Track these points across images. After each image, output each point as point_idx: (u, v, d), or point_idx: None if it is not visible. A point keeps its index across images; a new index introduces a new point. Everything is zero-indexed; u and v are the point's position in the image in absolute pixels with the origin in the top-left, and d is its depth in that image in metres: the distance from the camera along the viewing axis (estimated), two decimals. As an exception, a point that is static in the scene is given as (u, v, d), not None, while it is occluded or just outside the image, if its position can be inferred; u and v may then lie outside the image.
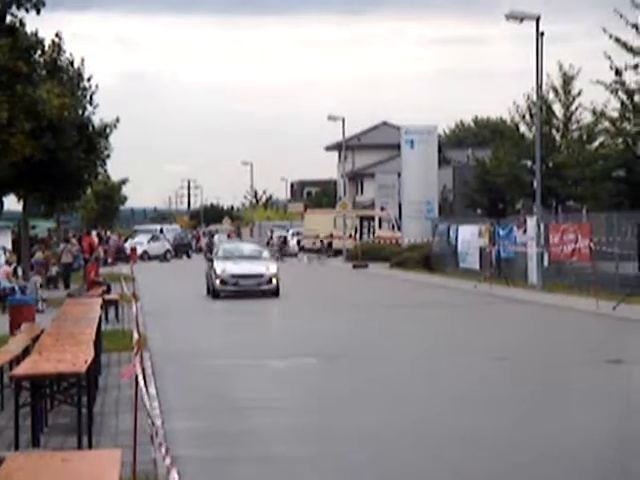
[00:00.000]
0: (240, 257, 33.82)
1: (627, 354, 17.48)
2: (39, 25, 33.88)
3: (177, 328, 24.41)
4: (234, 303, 30.80)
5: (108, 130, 38.50)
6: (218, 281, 32.32)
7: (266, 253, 35.74)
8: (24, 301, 22.93)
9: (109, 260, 57.99)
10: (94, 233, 59.90)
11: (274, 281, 32.41)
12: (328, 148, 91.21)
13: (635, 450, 10.85)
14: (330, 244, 69.48)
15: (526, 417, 12.78)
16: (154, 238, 73.70)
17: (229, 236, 76.48)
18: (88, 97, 37.44)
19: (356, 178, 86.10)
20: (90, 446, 10.67)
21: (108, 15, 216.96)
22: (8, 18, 27.31)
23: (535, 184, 36.08)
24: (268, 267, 32.89)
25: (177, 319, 26.67)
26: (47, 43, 34.70)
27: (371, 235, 66.86)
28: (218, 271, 32.43)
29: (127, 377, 9.76)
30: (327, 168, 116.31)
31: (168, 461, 6.10)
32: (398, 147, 59.78)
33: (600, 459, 10.49)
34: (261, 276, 32.47)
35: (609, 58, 33.63)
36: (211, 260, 33.99)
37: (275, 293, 32.33)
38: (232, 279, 32.29)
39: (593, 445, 11.07)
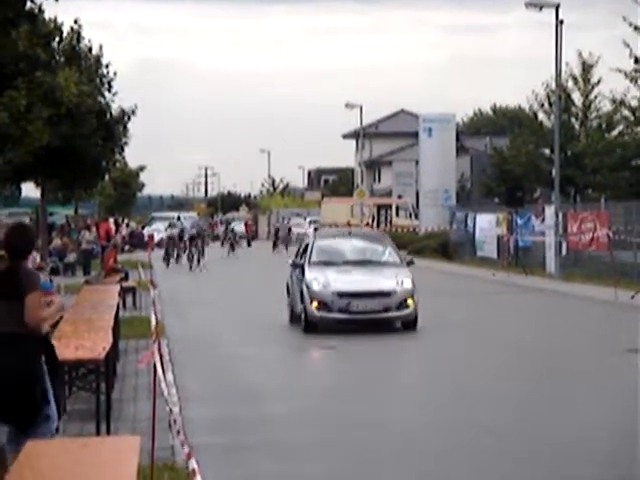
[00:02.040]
0: (351, 263, 21.09)
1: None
2: (55, 12, 33.92)
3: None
4: (346, 347, 18.12)
5: (126, 117, 38.52)
6: (315, 303, 19.74)
7: (393, 254, 21.76)
8: (44, 287, 22.96)
9: (126, 247, 58.11)
10: (111, 220, 60.02)
11: (410, 304, 19.85)
12: (345, 136, 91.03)
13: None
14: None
15: (544, 407, 12.74)
16: (171, 225, 73.62)
17: (246, 225, 76.33)
18: (106, 84, 37.46)
19: (373, 166, 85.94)
20: (108, 433, 10.70)
21: (124, 2, 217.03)
22: (28, 4, 27.34)
23: (554, 173, 35.96)
24: (399, 279, 20.10)
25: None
26: (65, 30, 34.78)
27: (388, 223, 66.77)
28: (315, 287, 19.89)
29: (145, 363, 9.78)
30: (344, 156, 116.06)
31: (187, 449, 6.11)
32: (416, 135, 59.68)
33: (615, 449, 10.47)
34: (388, 295, 19.73)
35: (628, 46, 33.47)
36: (297, 266, 21.34)
37: (412, 324, 19.99)
38: (340, 300, 19.69)
39: (609, 435, 11.04)
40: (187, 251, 43.86)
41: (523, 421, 11.80)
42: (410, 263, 21.74)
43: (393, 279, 20.06)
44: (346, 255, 21.36)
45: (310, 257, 21.01)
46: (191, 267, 42.20)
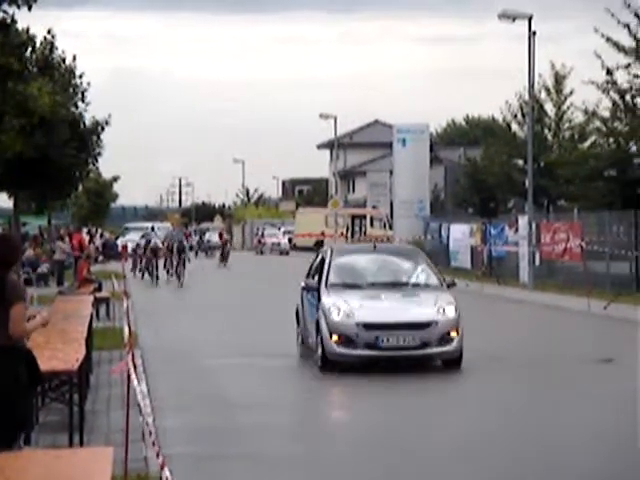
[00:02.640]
0: (379, 285, 17.08)
1: (618, 354, 17.50)
2: (28, 22, 33.78)
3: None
4: (374, 392, 14.64)
5: (100, 128, 38.41)
6: (336, 337, 15.93)
7: (430, 273, 17.63)
8: None
9: (99, 258, 57.86)
10: (84, 231, 59.79)
11: (454, 337, 16.15)
12: (320, 146, 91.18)
13: (623, 447, 10.86)
14: (322, 242, 69.46)
15: (516, 415, 12.78)
16: (145, 236, 73.46)
17: (220, 235, 76.27)
18: (80, 94, 37.35)
19: (348, 176, 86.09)
20: (81, 444, 10.65)
21: (98, 12, 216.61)
22: (0, 14, 27.23)
23: (527, 183, 36.13)
24: (440, 306, 16.31)
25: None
26: (38, 40, 34.63)
27: (363, 234, 66.87)
28: (334, 316, 16.04)
29: (118, 372, 9.76)
30: (319, 166, 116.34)
31: (160, 459, 6.09)
32: (390, 146, 59.78)
33: (585, 455, 10.53)
34: (427, 326, 15.99)
35: (600, 57, 33.70)
36: (310, 289, 17.49)
37: (456, 362, 16.30)
38: (366, 333, 15.82)
39: (580, 442, 11.10)
40: (165, 264, 40.42)
41: (493, 430, 11.84)
42: (451, 285, 17.57)
43: (432, 306, 16.17)
44: (372, 275, 17.31)
45: (327, 278, 16.87)
46: (160, 280, 39.44)
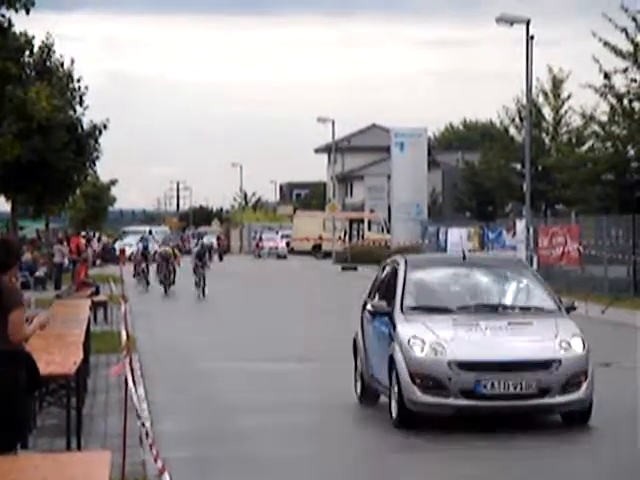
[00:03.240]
0: (475, 310, 12.82)
1: (616, 358, 17.50)
2: (26, 26, 33.81)
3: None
4: (479, 462, 10.65)
5: (97, 132, 38.45)
6: (419, 381, 11.88)
7: (543, 293, 13.47)
8: None
9: (97, 261, 57.89)
10: (82, 234, 59.79)
11: (582, 381, 12.13)
12: (317, 150, 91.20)
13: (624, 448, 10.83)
14: (319, 246, 69.49)
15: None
16: (143, 239, 73.50)
17: (219, 239, 76.20)
18: (78, 98, 37.40)
19: (346, 180, 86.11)
20: (79, 448, 10.64)
21: (95, 15, 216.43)
22: (-2, 18, 27.25)
23: (524, 187, 36.17)
24: (563, 339, 12.47)
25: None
26: (36, 43, 34.68)
27: (360, 237, 66.89)
28: (417, 351, 12.03)
29: (115, 374, 9.75)
30: (316, 170, 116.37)
31: (159, 463, 6.09)
32: (388, 150, 59.88)
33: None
34: (546, 366, 11.97)
35: (597, 62, 33.76)
36: (378, 314, 13.24)
37: (583, 415, 12.23)
38: (463, 376, 11.79)
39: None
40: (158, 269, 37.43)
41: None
42: (571, 309, 13.76)
43: (552, 339, 12.21)
44: (464, 296, 12.97)
45: (403, 299, 12.68)
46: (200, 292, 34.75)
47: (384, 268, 14.24)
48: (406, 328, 12.18)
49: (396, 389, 11.89)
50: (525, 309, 12.91)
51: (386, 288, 13.47)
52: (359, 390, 13.91)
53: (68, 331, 13.73)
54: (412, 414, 11.81)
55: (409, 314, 12.47)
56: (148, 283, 39.10)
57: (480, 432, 11.63)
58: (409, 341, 11.90)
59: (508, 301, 13.08)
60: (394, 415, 11.97)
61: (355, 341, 14.24)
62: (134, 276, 40.55)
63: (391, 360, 12.08)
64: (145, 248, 41.47)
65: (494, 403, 11.67)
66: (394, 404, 12.00)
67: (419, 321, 12.28)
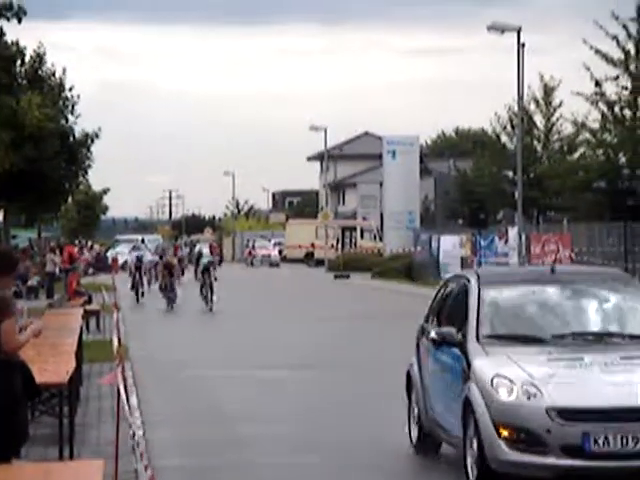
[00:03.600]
0: (573, 339, 9.78)
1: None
2: (17, 35, 33.83)
3: None
4: None
5: (90, 140, 38.43)
6: (506, 432, 8.86)
7: None
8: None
9: (89, 270, 57.85)
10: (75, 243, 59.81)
11: None
12: (310, 158, 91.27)
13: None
14: (312, 254, 69.52)
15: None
16: (135, 248, 73.54)
17: (211, 247, 76.11)
18: (70, 107, 37.38)
19: (338, 188, 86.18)
20: (72, 457, 10.63)
21: (88, 25, 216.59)
22: (-11, 28, 27.29)
23: (516, 194, 36.24)
24: None
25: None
26: (27, 53, 34.70)
27: (353, 245, 66.93)
28: (503, 394, 8.97)
29: (107, 382, 9.75)
30: (309, 178, 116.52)
31: (150, 472, 6.10)
32: (380, 157, 59.97)
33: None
34: None
35: (588, 69, 33.87)
36: (444, 343, 10.26)
37: None
38: (565, 427, 8.73)
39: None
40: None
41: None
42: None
43: None
44: (558, 321, 10.12)
45: (479, 325, 9.93)
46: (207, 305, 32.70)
47: (446, 285, 11.48)
48: (486, 363, 9.34)
49: (474, 442, 9.10)
50: (637, 338, 9.86)
51: (452, 310, 10.79)
52: (415, 436, 11.15)
53: (60, 340, 13.73)
54: (496, 476, 8.98)
55: (488, 345, 9.62)
56: (142, 295, 36.96)
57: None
58: (492, 381, 9.06)
59: (615, 327, 10.11)
60: (471, 476, 9.18)
61: (409, 375, 11.50)
62: (131, 288, 37.11)
63: (466, 404, 9.23)
64: (138, 259, 39.32)
65: (608, 464, 8.78)
66: (470, 461, 9.22)
67: (503, 354, 9.41)
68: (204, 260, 35.15)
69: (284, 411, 14.22)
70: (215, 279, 32.93)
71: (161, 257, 40.77)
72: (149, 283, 40.98)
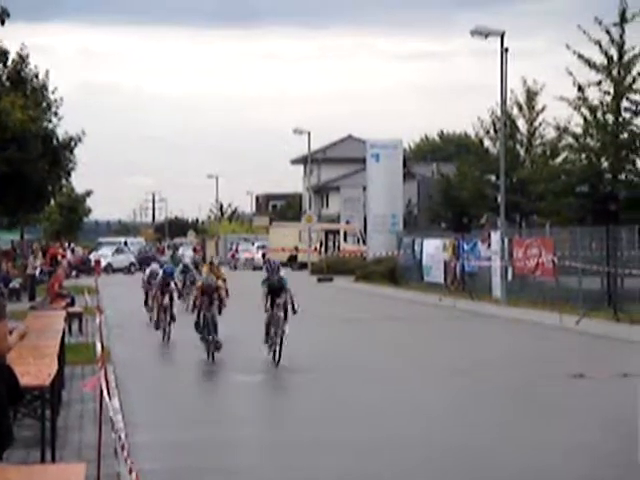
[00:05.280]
0: None
1: (590, 369, 17.61)
2: (0, 37, 33.79)
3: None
4: None
5: (73, 143, 38.35)
6: None
7: None
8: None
9: (72, 273, 57.68)
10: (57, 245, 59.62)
11: None
12: (294, 162, 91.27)
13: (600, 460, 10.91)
14: (295, 257, 69.48)
15: (486, 430, 12.83)
16: (118, 251, 73.48)
17: (195, 250, 76.05)
18: (53, 109, 37.29)
19: (321, 191, 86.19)
20: (53, 460, 10.60)
21: (72, 27, 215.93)
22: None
23: (499, 199, 36.31)
24: None
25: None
26: (11, 55, 34.62)
27: (336, 248, 66.93)
28: None
29: (90, 388, 9.73)
30: (293, 182, 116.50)
31: (134, 475, 6.09)
32: (363, 161, 59.94)
33: (556, 470, 10.57)
34: None
35: (571, 74, 33.96)
36: None
37: None
38: None
39: (550, 458, 11.15)
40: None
41: (462, 443, 11.87)
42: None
43: None
44: None
45: None
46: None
47: None
48: None
49: None
50: None
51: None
52: None
53: (43, 342, 13.69)
54: None
55: None
56: (169, 336, 23.48)
57: None
58: None
59: None
60: None
61: None
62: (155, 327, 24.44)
63: None
64: (169, 274, 24.49)
65: None
66: None
67: None
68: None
69: (271, 414, 14.19)
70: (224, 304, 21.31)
71: (184, 271, 32.79)
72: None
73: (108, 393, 9.40)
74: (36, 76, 36.51)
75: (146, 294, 29.33)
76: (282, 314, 18.80)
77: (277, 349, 18.70)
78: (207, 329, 19.80)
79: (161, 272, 24.73)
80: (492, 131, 45.01)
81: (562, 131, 37.48)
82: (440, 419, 13.59)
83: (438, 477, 10.43)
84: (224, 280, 22.24)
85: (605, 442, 11.81)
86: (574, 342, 23.33)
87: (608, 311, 27.59)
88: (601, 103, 34.08)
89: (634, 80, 33.32)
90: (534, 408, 14.47)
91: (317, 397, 15.44)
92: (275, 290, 18.98)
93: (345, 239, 67.49)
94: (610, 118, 34.17)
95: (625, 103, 33.85)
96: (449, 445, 11.78)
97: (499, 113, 38.37)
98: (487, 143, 46.52)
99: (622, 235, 30.54)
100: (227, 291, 21.54)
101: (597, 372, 17.26)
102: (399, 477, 10.38)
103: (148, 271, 29.43)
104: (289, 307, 18.86)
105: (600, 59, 33.49)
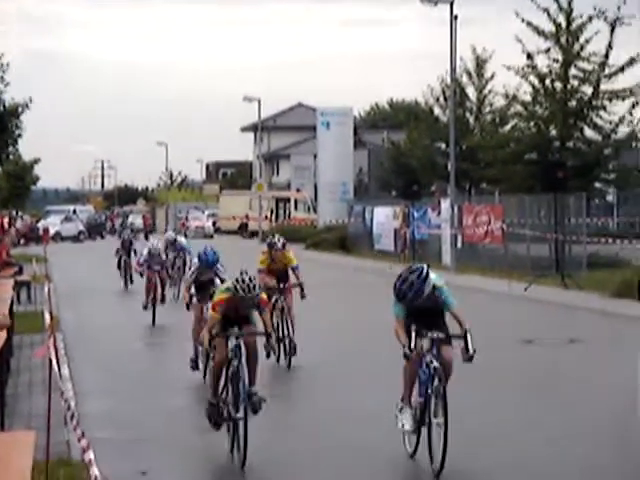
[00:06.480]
0: None
1: (538, 334, 17.82)
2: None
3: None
4: None
5: (20, 109, 37.86)
6: None
7: None
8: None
9: (21, 241, 57.19)
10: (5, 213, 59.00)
11: None
12: (244, 129, 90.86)
13: (544, 434, 11.05)
14: (246, 225, 69.38)
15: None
16: (67, 219, 72.98)
17: (144, 218, 75.69)
18: (-1, 75, 36.77)
19: (272, 159, 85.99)
20: (2, 428, 10.54)
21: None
22: None
23: (449, 166, 36.46)
24: None
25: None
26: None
27: (287, 217, 66.90)
28: None
29: (40, 355, 9.68)
30: (243, 149, 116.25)
31: (84, 442, 6.07)
32: (314, 129, 59.87)
33: (504, 437, 10.71)
34: None
35: (520, 42, 34.04)
36: None
37: None
38: None
39: (502, 425, 11.28)
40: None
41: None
42: None
43: None
44: None
45: None
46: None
47: None
48: None
49: None
50: None
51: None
52: None
53: (-10, 311, 13.57)
54: None
55: None
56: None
57: None
58: None
59: None
60: None
61: None
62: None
63: None
64: (211, 264, 16.26)
65: None
66: None
67: None
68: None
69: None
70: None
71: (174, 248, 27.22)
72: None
73: (57, 361, 9.35)
74: (-19, 42, 35.98)
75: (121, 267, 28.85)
76: None
77: None
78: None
79: (196, 261, 15.70)
80: (442, 99, 45.08)
81: (511, 99, 37.61)
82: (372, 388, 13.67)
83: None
84: (294, 269, 15.98)
85: (545, 404, 11.96)
86: (523, 309, 23.57)
87: (556, 278, 27.88)
88: (550, 71, 34.23)
89: (582, 48, 33.49)
90: (483, 374, 14.59)
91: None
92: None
93: (296, 207, 67.48)
94: (559, 86, 34.34)
95: (573, 71, 34.04)
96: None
97: (449, 81, 38.45)
98: (437, 111, 46.59)
99: (570, 202, 30.85)
100: (302, 286, 15.80)
101: (544, 338, 17.47)
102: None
103: (146, 251, 22.66)
104: None
105: (549, 27, 33.63)
